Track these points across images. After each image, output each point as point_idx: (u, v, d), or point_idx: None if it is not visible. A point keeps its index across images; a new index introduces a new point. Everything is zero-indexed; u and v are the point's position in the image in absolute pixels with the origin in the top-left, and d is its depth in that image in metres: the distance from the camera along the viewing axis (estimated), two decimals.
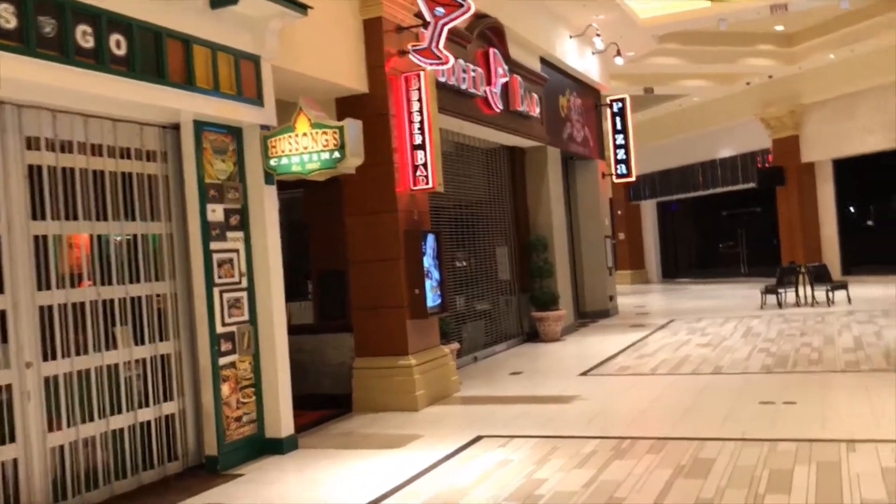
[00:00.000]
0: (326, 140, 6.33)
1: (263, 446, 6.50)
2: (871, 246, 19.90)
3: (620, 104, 16.07)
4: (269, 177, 6.59)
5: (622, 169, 16.16)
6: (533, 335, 12.79)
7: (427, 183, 8.23)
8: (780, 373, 8.28)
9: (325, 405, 8.13)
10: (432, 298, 8.26)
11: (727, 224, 24.90)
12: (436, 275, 8.40)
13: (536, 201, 13.23)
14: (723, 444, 5.62)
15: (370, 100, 8.14)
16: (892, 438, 5.39)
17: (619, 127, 16.08)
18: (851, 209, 20.44)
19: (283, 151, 6.46)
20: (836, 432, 5.76)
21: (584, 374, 9.25)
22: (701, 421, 6.53)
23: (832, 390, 7.27)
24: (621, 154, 16.10)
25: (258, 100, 6.51)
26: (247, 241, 6.54)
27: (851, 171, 20.01)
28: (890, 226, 19.46)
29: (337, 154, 6.30)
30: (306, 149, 6.39)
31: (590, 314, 15.74)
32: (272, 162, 6.50)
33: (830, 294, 14.68)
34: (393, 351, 7.94)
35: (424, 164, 8.20)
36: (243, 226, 6.53)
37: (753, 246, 23.71)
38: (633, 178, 16.30)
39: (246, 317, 6.48)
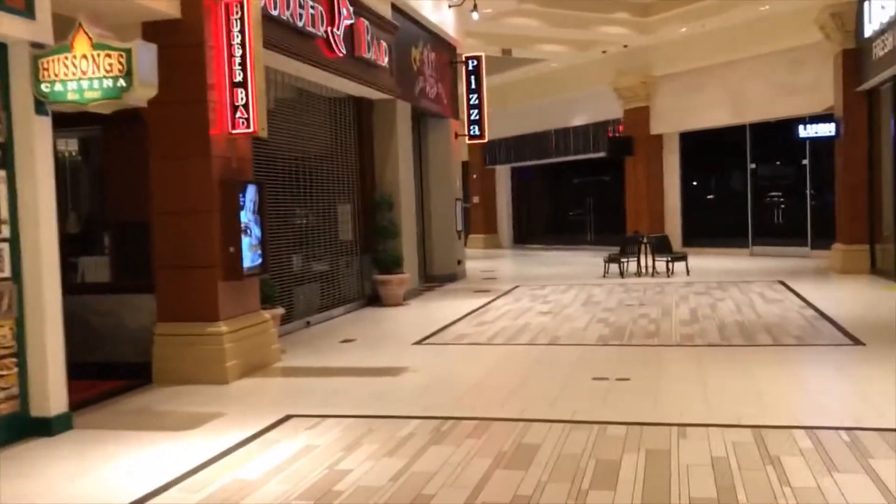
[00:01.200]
0: (110, 65, 5.28)
1: (27, 427, 5.47)
2: (710, 218, 20.57)
3: (476, 62, 15.53)
4: (40, 105, 5.46)
5: (475, 130, 15.67)
6: (375, 299, 12.12)
7: (248, 126, 7.27)
8: (617, 345, 8.02)
9: (125, 375, 7.12)
10: (251, 258, 7.37)
11: (578, 192, 25.15)
12: (256, 231, 7.50)
13: (384, 158, 12.48)
14: (550, 426, 5.16)
15: (183, 27, 7.06)
16: (723, 422, 5.11)
17: (473, 86, 15.55)
18: (694, 182, 21.01)
19: (56, 76, 5.36)
20: (668, 414, 5.43)
21: (420, 342, 8.68)
22: (531, 399, 6.08)
23: (667, 365, 7.03)
24: (475, 114, 15.60)
25: (27, 11, 5.33)
26: (10, 181, 5.40)
27: (696, 145, 20.54)
28: (728, 199, 20.15)
29: (122, 82, 5.27)
30: (85, 74, 5.32)
31: (437, 278, 15.25)
32: (43, 87, 5.38)
33: (671, 265, 14.89)
34: (201, 316, 7.01)
35: (245, 105, 7.23)
36: (6, 164, 5.38)
37: (602, 214, 24.06)
38: (485, 140, 15.86)
39: (7, 273, 5.38)
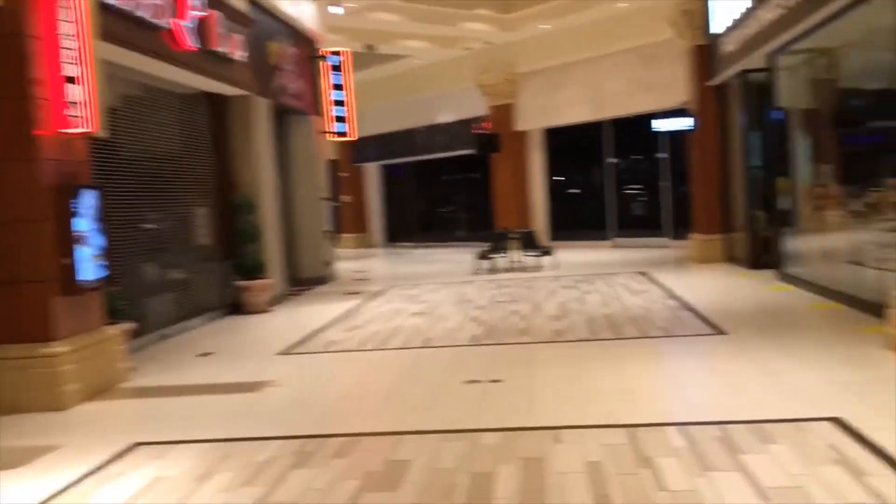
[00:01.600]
0: None
1: None
2: (574, 212, 21.03)
3: (339, 58, 15.07)
4: None
5: (341, 127, 15.23)
6: (238, 307, 11.49)
7: (84, 125, 6.60)
8: (489, 345, 7.87)
9: None
10: (92, 270, 6.69)
11: (448, 189, 25.15)
12: (98, 240, 6.82)
13: (243, 157, 11.84)
14: (422, 439, 4.89)
15: (4, 15, 6.31)
16: (597, 423, 5.00)
17: (337, 82, 15.09)
18: (558, 178, 21.40)
19: None
20: (542, 417, 5.29)
21: (285, 352, 8.21)
22: (402, 409, 5.80)
23: (539, 364, 6.92)
24: (340, 111, 15.16)
25: None
26: None
27: (560, 141, 20.92)
28: (590, 194, 20.65)
29: None
30: None
31: (305, 281, 14.72)
32: None
33: (538, 260, 15.01)
34: (31, 336, 6.29)
35: (80, 103, 6.55)
36: None
37: (472, 211, 24.16)
38: (353, 138, 15.44)
39: None
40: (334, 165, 26.93)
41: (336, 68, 15.01)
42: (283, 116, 14.34)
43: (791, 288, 10.44)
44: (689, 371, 6.58)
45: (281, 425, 5.47)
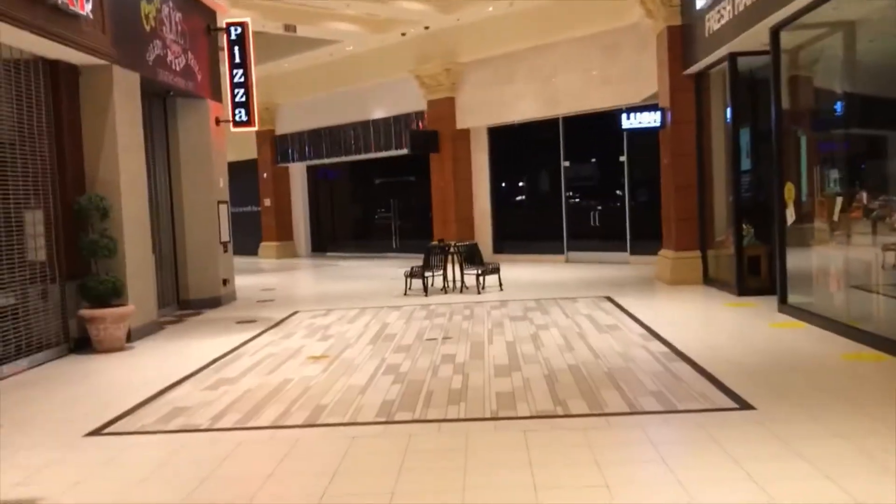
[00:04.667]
0: None
1: None
2: (522, 222, 18.65)
3: (240, 30, 12.37)
4: None
5: (241, 114, 12.51)
6: (86, 342, 8.72)
7: None
8: (406, 422, 5.28)
9: None
10: None
11: (382, 194, 22.50)
12: None
13: (96, 146, 9.07)
14: None
15: None
16: None
17: (237, 59, 12.39)
18: (504, 183, 18.99)
19: None
20: None
21: (99, 430, 5.48)
22: None
23: (477, 467, 4.38)
24: (240, 95, 12.45)
25: None
26: None
27: (507, 141, 18.51)
28: (541, 201, 18.29)
29: None
30: None
31: (195, 303, 11.99)
32: None
33: (481, 279, 12.54)
34: None
35: None
36: None
37: (408, 218, 21.58)
38: (254, 126, 12.74)
39: None
40: (254, 166, 24.18)
41: (237, 43, 12.29)
42: (167, 98, 11.60)
43: (801, 324, 8.15)
44: (720, 485, 4.09)
45: None
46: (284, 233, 24.04)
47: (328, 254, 23.52)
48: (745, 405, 5.20)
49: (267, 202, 23.94)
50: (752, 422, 4.85)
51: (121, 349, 8.62)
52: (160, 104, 11.64)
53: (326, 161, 22.56)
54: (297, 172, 23.98)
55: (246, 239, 24.52)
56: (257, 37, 19.81)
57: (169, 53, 10.72)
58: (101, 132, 9.04)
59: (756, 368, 6.31)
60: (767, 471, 4.00)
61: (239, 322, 10.44)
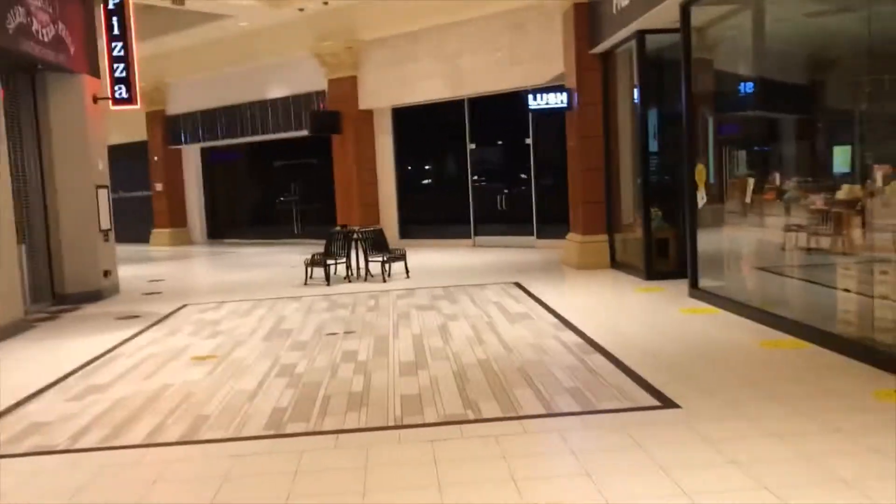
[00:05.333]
0: None
1: None
2: (428, 207, 18.13)
3: None
4: None
5: (122, 91, 11.46)
6: None
7: None
8: (297, 435, 4.67)
9: None
10: None
11: (283, 177, 21.52)
12: None
13: None
14: None
15: None
16: None
17: (116, 31, 11.31)
18: (410, 166, 18.41)
19: None
20: None
21: None
22: None
23: (378, 492, 3.84)
24: (120, 70, 11.39)
25: None
26: None
27: (411, 122, 17.92)
28: (447, 184, 17.82)
29: None
30: None
31: (73, 297, 10.95)
32: None
33: (387, 266, 11.96)
34: None
35: None
36: None
37: (311, 203, 20.72)
38: (136, 105, 11.66)
39: None
40: (143, 147, 22.76)
41: (113, 13, 11.22)
42: (36, 75, 10.49)
43: (714, 310, 7.95)
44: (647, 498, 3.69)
45: None
46: (178, 219, 22.78)
47: (226, 240, 22.42)
48: (668, 403, 4.85)
49: (158, 186, 22.62)
50: (678, 422, 4.49)
51: None
52: (27, 80, 10.51)
53: (221, 143, 21.42)
54: (191, 155, 22.73)
55: (136, 226, 23.12)
56: (144, 11, 18.54)
57: (34, 21, 9.62)
58: None
59: (674, 359, 5.99)
60: (700, 481, 3.62)
61: (119, 318, 9.53)
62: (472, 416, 4.80)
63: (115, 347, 7.66)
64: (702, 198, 8.52)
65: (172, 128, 22.12)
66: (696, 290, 8.68)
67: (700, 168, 8.57)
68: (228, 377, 6.18)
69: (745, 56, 8.67)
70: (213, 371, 6.41)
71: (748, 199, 7.78)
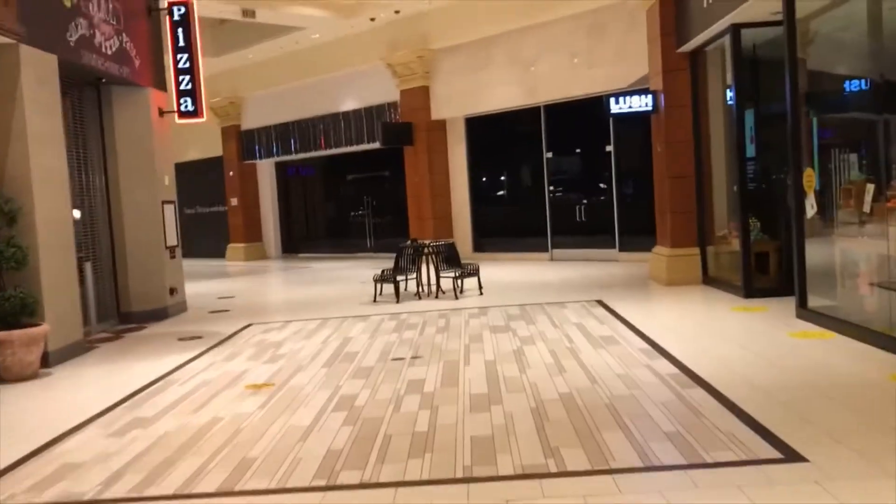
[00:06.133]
0: None
1: None
2: (503, 219, 17.43)
3: (183, 10, 11.05)
4: None
5: (188, 104, 11.20)
6: None
7: None
8: (350, 488, 4.04)
9: None
10: None
11: (355, 190, 21.18)
12: None
13: (2, 139, 7.75)
14: None
15: None
16: None
17: (181, 43, 11.07)
18: (484, 177, 17.76)
19: None
20: None
21: None
22: None
23: None
24: (186, 83, 11.13)
25: None
26: None
27: (485, 132, 17.28)
28: (521, 196, 17.10)
29: None
30: None
31: (137, 316, 10.69)
32: None
33: (459, 282, 11.32)
34: None
35: None
36: None
37: (383, 216, 20.29)
38: (202, 118, 11.38)
39: None
40: (219, 163, 22.79)
41: (179, 24, 10.98)
42: (101, 88, 10.29)
43: (829, 334, 6.99)
44: None
45: None
46: (253, 234, 22.72)
47: (300, 255, 22.22)
48: (792, 455, 4.01)
49: (234, 201, 22.61)
50: (809, 481, 3.66)
51: (33, 377, 7.33)
52: (93, 93, 10.32)
53: (295, 157, 21.25)
54: (266, 169, 22.66)
55: (213, 241, 23.21)
56: (217, 26, 18.57)
57: (97, 34, 9.40)
58: (8, 122, 7.72)
59: (790, 396, 5.13)
60: None
61: (182, 339, 9.16)
62: (554, 468, 4.07)
63: (170, 373, 7.23)
64: (811, 206, 7.57)
65: (247, 142, 22.09)
66: (804, 311, 7.72)
67: (809, 173, 7.62)
68: (283, 410, 5.61)
69: (865, 44, 7.68)
70: (267, 402, 5.87)
71: (867, 208, 6.81)
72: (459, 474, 4.10)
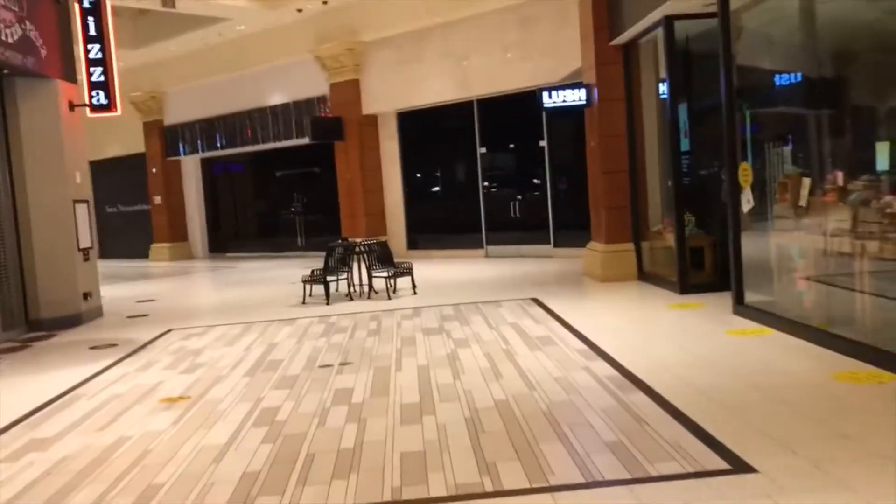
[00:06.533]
0: None
1: None
2: (437, 215, 17.13)
3: None
4: None
5: (100, 97, 10.54)
6: None
7: None
8: None
9: None
10: None
11: (285, 187, 20.57)
12: None
13: None
14: None
15: None
16: None
17: (92, 32, 10.40)
18: (418, 173, 17.42)
19: None
20: None
21: None
22: None
23: None
24: (98, 74, 10.47)
25: None
26: None
27: (417, 127, 16.94)
28: (453, 193, 16.82)
29: None
30: None
31: (48, 323, 10.01)
32: None
33: (392, 282, 10.96)
34: None
35: None
36: None
37: (315, 214, 19.74)
38: (116, 111, 10.72)
39: None
40: (141, 159, 21.87)
41: (89, 13, 10.30)
42: (3, 80, 9.58)
43: (767, 331, 6.88)
44: None
45: None
46: (178, 233, 21.90)
47: (228, 255, 21.51)
48: (740, 466, 3.79)
49: (157, 200, 21.77)
50: (760, 495, 3.43)
51: None
52: None
53: (221, 153, 20.52)
54: (191, 166, 21.85)
55: (136, 241, 22.30)
56: (138, 17, 17.74)
57: None
58: None
59: (733, 400, 4.94)
60: None
61: (94, 347, 8.56)
62: (490, 487, 3.76)
63: (77, 386, 6.68)
64: (748, 201, 7.46)
65: (171, 138, 21.26)
66: (742, 307, 7.61)
67: (745, 167, 7.51)
68: (197, 426, 5.17)
69: (797, 36, 7.60)
70: (181, 418, 5.41)
71: (803, 202, 6.73)
72: (387, 496, 3.75)
